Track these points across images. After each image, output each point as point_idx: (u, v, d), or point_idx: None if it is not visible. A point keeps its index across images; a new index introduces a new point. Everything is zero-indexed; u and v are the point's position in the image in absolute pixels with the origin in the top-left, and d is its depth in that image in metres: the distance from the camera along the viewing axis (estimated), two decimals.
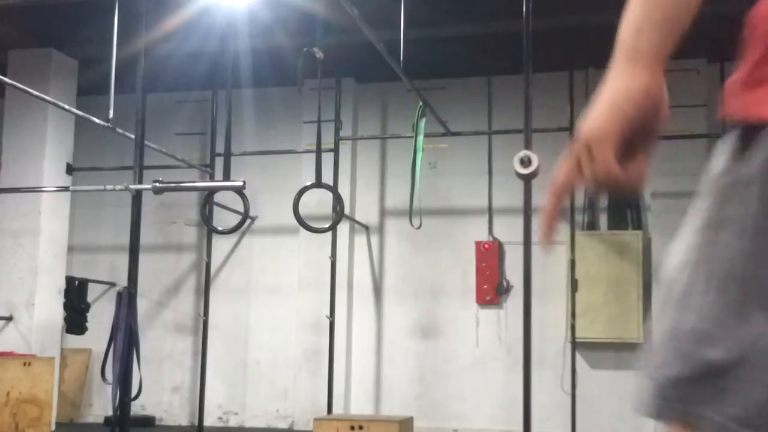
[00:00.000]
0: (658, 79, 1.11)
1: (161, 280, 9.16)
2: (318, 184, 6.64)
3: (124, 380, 4.92)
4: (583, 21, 7.13)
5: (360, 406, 8.50)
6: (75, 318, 8.17)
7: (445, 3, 7.07)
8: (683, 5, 1.12)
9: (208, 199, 6.94)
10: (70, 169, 8.18)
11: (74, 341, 8.68)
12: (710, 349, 1.01)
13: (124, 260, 5.53)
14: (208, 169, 8.00)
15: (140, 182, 5.49)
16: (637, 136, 1.12)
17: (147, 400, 8.56)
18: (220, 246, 8.71)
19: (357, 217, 8.72)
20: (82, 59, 8.17)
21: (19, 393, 6.46)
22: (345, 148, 8.34)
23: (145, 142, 5.75)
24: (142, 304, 8.08)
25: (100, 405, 8.97)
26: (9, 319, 7.64)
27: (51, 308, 7.85)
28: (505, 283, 8.41)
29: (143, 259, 5.68)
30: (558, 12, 6.96)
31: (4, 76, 6.62)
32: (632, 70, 1.10)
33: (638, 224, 8.16)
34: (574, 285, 7.65)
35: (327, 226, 6.93)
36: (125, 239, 5.56)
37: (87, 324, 8.26)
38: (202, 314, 7.92)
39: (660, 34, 1.11)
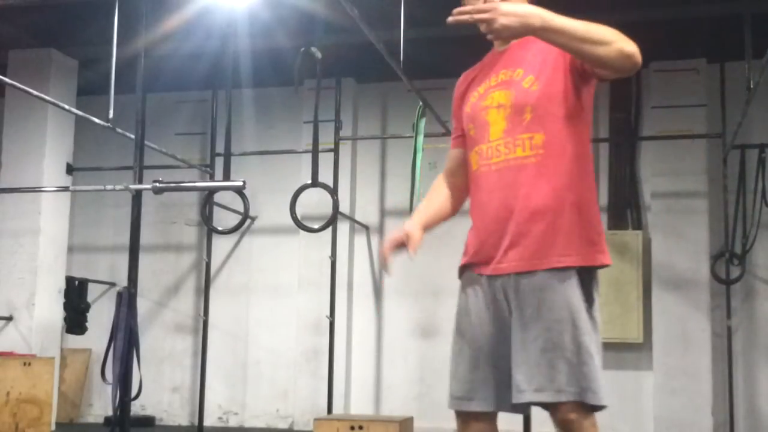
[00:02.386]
0: None
1: (161, 280, 9.16)
2: (314, 183, 6.63)
3: (124, 380, 4.91)
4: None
5: (360, 406, 8.49)
6: (75, 318, 8.16)
7: (445, 3, 7.04)
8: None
9: (208, 199, 6.94)
10: (70, 169, 8.18)
11: (74, 341, 8.68)
12: None
13: (124, 260, 5.52)
14: (208, 169, 8.00)
15: (140, 182, 5.48)
16: None
17: (147, 400, 8.57)
18: (220, 246, 8.71)
19: (357, 217, 8.71)
20: (82, 59, 8.16)
21: (19, 393, 6.46)
22: (345, 148, 8.33)
23: (145, 142, 5.74)
24: (142, 304, 8.08)
25: (100, 405, 8.97)
26: (9, 319, 7.64)
27: (51, 308, 7.85)
28: None
29: (143, 259, 5.67)
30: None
31: (4, 76, 6.61)
32: None
33: (638, 224, 8.15)
34: None
35: (321, 225, 6.90)
36: (125, 239, 5.55)
37: (87, 324, 8.25)
38: (202, 314, 7.92)
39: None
